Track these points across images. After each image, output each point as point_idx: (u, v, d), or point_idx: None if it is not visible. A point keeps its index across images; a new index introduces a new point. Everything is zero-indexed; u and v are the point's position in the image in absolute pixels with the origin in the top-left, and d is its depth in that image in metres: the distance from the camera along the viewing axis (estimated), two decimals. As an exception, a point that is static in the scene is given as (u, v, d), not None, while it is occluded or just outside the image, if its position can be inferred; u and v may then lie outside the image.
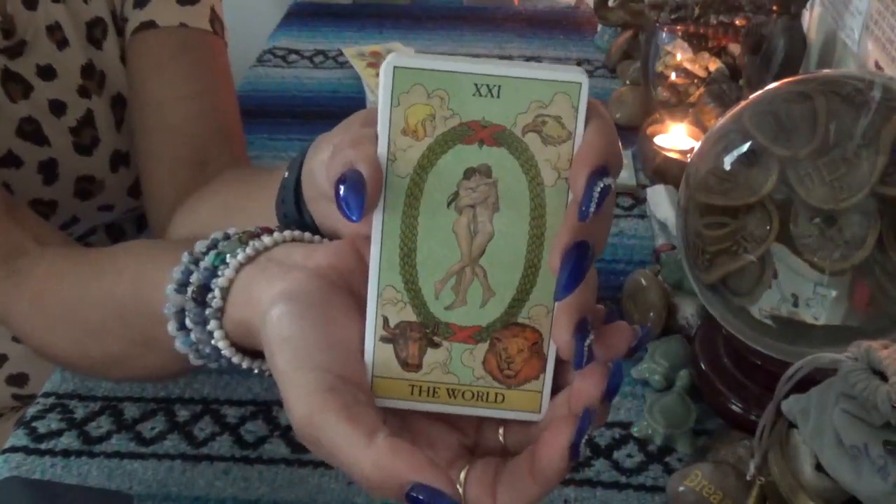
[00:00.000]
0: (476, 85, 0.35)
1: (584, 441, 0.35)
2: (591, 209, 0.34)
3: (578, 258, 0.34)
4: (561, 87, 0.35)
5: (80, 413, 0.69)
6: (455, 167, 0.35)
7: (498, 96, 0.35)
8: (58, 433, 0.67)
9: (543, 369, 0.38)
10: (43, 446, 0.66)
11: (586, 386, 0.36)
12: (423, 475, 0.33)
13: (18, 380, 0.86)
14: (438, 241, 0.36)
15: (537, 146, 0.35)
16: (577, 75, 0.35)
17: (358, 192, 0.34)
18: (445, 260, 0.36)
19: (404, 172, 0.35)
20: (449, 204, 0.36)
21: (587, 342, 0.35)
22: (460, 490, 0.37)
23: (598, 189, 0.34)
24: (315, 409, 0.34)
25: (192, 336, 0.44)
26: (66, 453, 0.65)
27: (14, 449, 0.65)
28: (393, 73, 0.34)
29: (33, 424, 0.67)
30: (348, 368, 0.36)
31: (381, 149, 0.35)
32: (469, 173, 0.36)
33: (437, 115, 0.35)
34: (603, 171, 0.34)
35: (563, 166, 0.35)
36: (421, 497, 0.33)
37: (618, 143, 0.35)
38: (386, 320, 0.37)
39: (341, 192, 0.35)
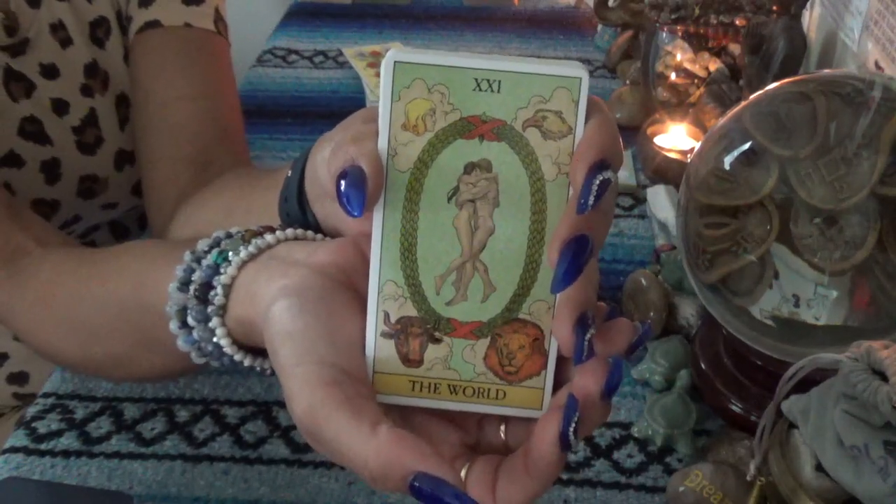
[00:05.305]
0: (476, 80, 0.35)
1: (572, 429, 0.34)
2: (590, 202, 0.34)
3: (577, 252, 0.34)
4: (561, 82, 0.35)
5: (80, 413, 0.69)
6: (455, 162, 0.35)
7: (498, 91, 0.35)
8: (58, 433, 0.67)
9: (545, 365, 0.38)
10: (43, 447, 0.66)
11: (586, 381, 0.35)
12: (427, 465, 0.33)
13: (19, 378, 0.86)
14: (439, 237, 0.36)
15: (538, 141, 0.35)
16: (577, 70, 0.35)
17: (359, 188, 0.34)
18: (446, 255, 0.36)
19: (405, 167, 0.35)
20: (449, 199, 0.36)
21: (587, 337, 0.35)
22: None
23: (598, 182, 0.34)
24: (317, 402, 0.34)
25: (194, 334, 0.44)
26: (66, 454, 0.65)
27: (14, 449, 0.65)
28: (393, 67, 0.34)
29: (33, 425, 0.67)
30: (350, 363, 0.36)
31: (382, 144, 0.35)
32: (469, 168, 0.36)
33: (437, 109, 0.35)
34: (603, 164, 0.34)
35: (564, 161, 0.35)
36: (424, 487, 0.32)
37: (618, 138, 0.35)
38: (387, 316, 0.37)
39: (342, 187, 0.35)
